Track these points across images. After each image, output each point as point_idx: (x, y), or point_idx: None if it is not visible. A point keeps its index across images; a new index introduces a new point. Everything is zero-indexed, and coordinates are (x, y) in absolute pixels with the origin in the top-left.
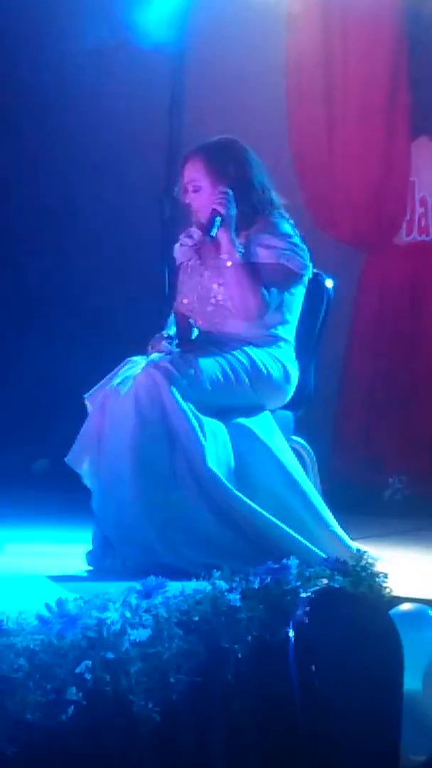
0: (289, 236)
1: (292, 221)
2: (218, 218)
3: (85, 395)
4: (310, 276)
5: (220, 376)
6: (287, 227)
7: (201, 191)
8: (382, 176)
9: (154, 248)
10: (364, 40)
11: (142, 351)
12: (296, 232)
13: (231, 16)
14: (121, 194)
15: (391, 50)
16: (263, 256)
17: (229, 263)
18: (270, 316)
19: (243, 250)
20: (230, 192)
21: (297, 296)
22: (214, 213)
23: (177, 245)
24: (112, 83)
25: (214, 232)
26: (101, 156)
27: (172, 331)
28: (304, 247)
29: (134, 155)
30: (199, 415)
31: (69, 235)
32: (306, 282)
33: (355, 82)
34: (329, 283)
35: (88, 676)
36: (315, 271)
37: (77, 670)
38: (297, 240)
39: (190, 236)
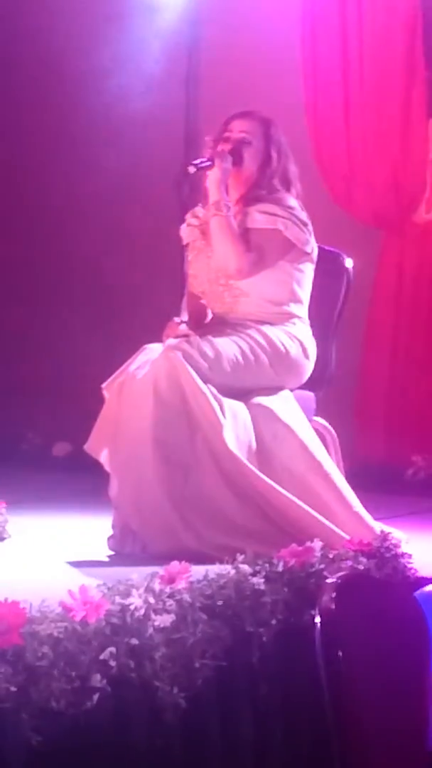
0: (293, 208)
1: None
2: (208, 162)
3: (103, 384)
4: (317, 253)
5: (239, 357)
6: (293, 202)
7: (252, 147)
8: (401, 153)
9: (173, 230)
10: (380, 16)
11: (160, 338)
12: (303, 211)
13: None
14: (138, 174)
15: (407, 27)
16: (260, 221)
17: (213, 215)
18: (281, 292)
19: (237, 216)
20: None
21: (306, 273)
22: (209, 157)
23: (183, 225)
24: (127, 62)
25: (196, 165)
26: (118, 135)
27: (186, 316)
28: (308, 222)
29: (151, 135)
30: (219, 396)
31: (84, 216)
32: (314, 259)
33: (371, 59)
34: (349, 263)
35: (112, 663)
36: (335, 250)
37: (101, 657)
38: (303, 216)
39: (197, 216)
